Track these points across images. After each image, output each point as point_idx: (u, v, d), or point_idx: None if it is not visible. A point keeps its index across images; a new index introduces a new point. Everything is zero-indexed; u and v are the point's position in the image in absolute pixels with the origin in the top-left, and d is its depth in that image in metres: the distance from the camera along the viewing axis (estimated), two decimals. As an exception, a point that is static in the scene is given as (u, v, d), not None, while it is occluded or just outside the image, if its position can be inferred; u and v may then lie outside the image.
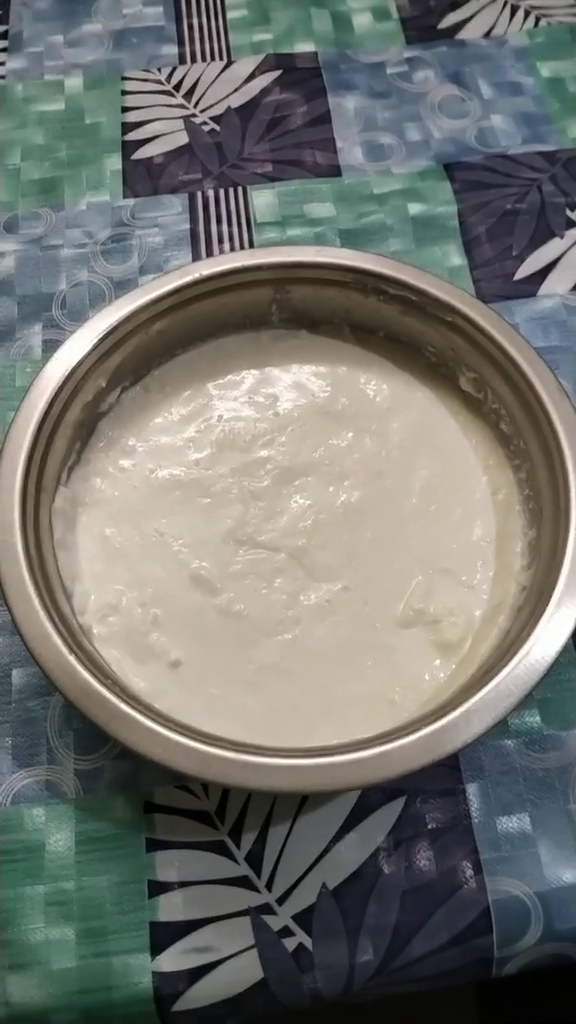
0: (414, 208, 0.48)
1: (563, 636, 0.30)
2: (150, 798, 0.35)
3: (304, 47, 0.55)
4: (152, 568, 0.36)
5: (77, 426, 0.37)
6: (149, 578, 0.36)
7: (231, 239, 0.48)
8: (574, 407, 0.34)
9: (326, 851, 0.34)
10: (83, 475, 0.38)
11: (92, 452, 0.39)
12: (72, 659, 0.30)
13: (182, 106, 0.53)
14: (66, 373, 0.36)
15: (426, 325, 0.39)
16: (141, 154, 0.51)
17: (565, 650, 0.37)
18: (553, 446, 0.34)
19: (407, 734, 0.29)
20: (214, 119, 0.52)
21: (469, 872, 0.34)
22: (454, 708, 0.29)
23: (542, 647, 0.30)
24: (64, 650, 0.31)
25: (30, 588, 0.32)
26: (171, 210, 0.49)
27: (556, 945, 0.33)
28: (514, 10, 0.56)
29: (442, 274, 0.45)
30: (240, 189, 0.49)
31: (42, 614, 0.31)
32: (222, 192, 0.49)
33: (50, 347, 0.44)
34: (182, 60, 0.55)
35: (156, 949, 0.33)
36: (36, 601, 0.31)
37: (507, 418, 0.37)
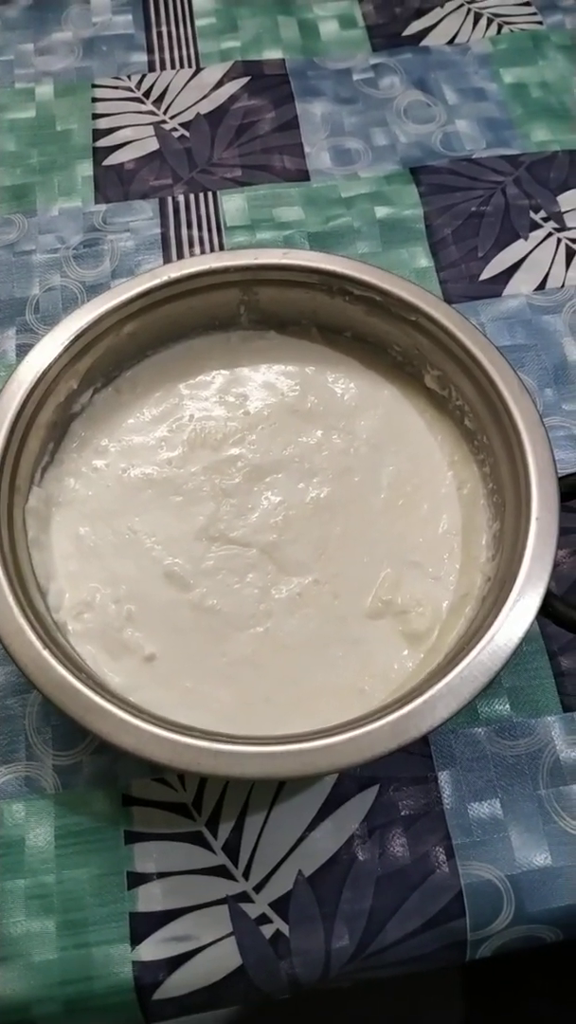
0: (381, 211, 0.49)
1: (525, 623, 0.31)
2: (128, 791, 0.35)
3: (272, 54, 0.56)
4: (126, 565, 0.37)
5: (50, 427, 0.38)
6: (123, 575, 0.37)
7: (202, 243, 0.49)
8: (534, 403, 0.35)
9: (301, 839, 0.35)
10: (56, 475, 0.39)
11: (65, 452, 0.39)
12: (47, 655, 0.31)
13: (152, 113, 0.54)
14: (38, 375, 0.36)
15: (391, 325, 0.39)
16: (112, 160, 0.51)
17: (532, 639, 0.38)
18: (514, 440, 0.35)
19: (375, 720, 0.29)
20: (184, 125, 0.53)
21: (442, 857, 0.34)
22: (420, 695, 0.30)
23: (505, 634, 0.31)
24: (39, 646, 0.31)
25: (5, 586, 0.32)
26: (142, 215, 0.50)
27: (528, 927, 0.34)
28: (477, 17, 0.57)
29: (408, 275, 0.46)
30: (210, 194, 0.50)
31: (17, 611, 0.32)
32: (192, 197, 0.50)
33: (24, 351, 0.45)
34: (151, 67, 0.55)
35: (136, 939, 0.33)
36: (11, 599, 0.32)
37: (471, 414, 0.38)
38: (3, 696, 0.37)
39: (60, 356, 0.37)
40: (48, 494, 0.38)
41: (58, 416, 0.38)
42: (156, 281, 0.39)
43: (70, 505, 0.38)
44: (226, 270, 0.39)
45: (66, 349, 0.37)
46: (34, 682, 0.31)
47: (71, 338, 0.37)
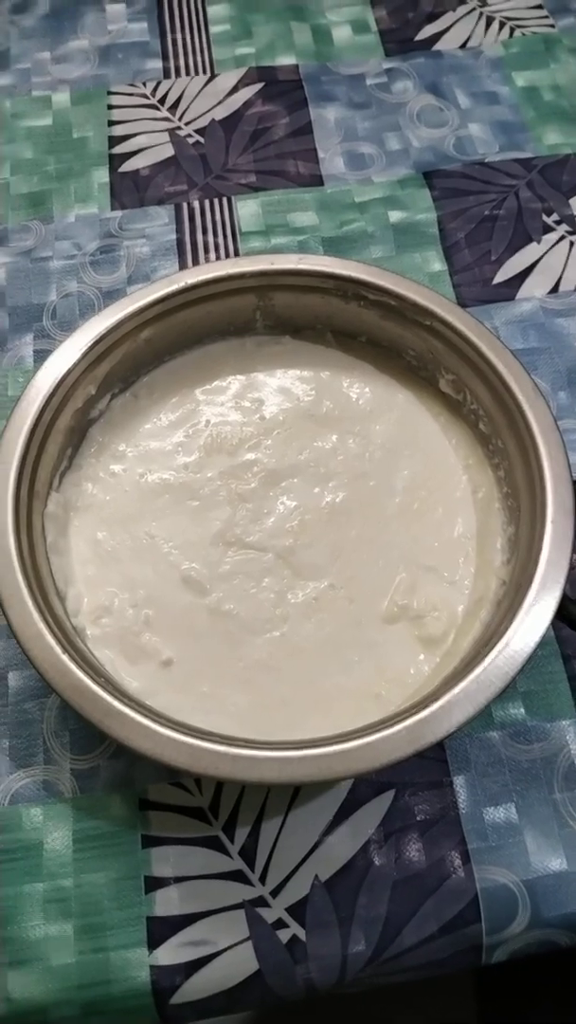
0: (394, 216, 0.50)
1: (541, 627, 0.31)
2: (145, 795, 0.35)
3: (285, 60, 0.56)
4: (143, 570, 0.37)
5: (68, 432, 0.38)
6: (140, 580, 0.37)
7: (217, 249, 0.49)
8: (549, 407, 0.35)
9: (318, 844, 0.35)
10: (75, 480, 0.39)
11: (83, 458, 0.40)
12: (66, 659, 0.31)
13: (167, 119, 0.54)
14: (56, 381, 0.37)
15: (406, 329, 0.40)
16: (128, 167, 0.52)
17: (546, 643, 0.38)
18: (529, 444, 0.35)
19: (391, 725, 0.30)
20: (198, 131, 0.53)
21: (457, 862, 0.34)
22: (436, 700, 0.30)
23: (521, 639, 0.31)
24: (58, 651, 0.31)
25: (24, 592, 0.32)
26: (158, 221, 0.50)
27: (543, 932, 0.34)
28: (489, 21, 0.57)
29: (422, 280, 0.46)
30: (225, 199, 0.50)
31: (37, 617, 0.32)
32: (207, 203, 0.50)
33: (41, 357, 0.45)
34: (166, 74, 0.56)
35: (153, 943, 0.33)
36: (31, 604, 0.32)
37: (485, 418, 0.38)
38: (21, 700, 0.37)
39: (78, 362, 0.37)
40: (66, 499, 0.38)
41: (76, 421, 0.39)
42: (173, 287, 0.39)
43: (88, 510, 0.38)
44: (242, 276, 0.40)
45: (84, 355, 0.37)
46: (53, 686, 0.31)
47: (89, 344, 0.38)
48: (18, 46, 0.57)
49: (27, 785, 0.36)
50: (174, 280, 0.39)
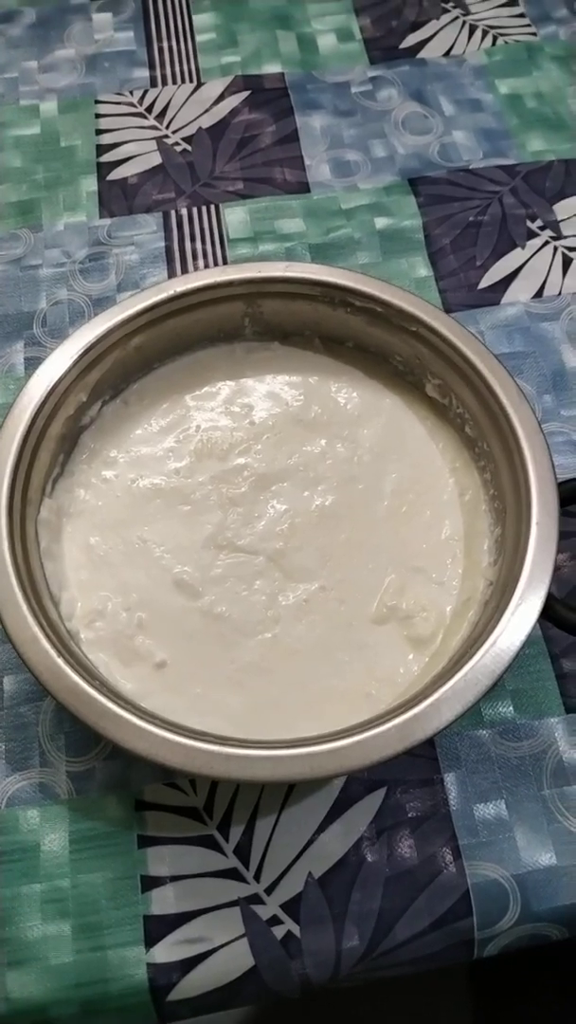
0: (381, 222, 0.50)
1: (527, 627, 0.32)
2: (140, 796, 0.36)
3: (271, 68, 0.56)
4: (136, 574, 0.38)
5: (60, 439, 0.39)
6: (133, 584, 0.37)
7: (205, 256, 0.49)
8: (533, 410, 0.36)
9: (311, 842, 0.35)
10: (67, 486, 0.39)
11: (75, 464, 0.40)
12: (61, 662, 0.32)
13: (154, 127, 0.54)
14: (48, 388, 0.37)
15: (392, 335, 0.40)
16: (116, 175, 0.52)
17: (534, 642, 0.39)
18: (514, 448, 0.35)
19: (382, 723, 0.30)
20: (186, 139, 0.54)
21: (449, 858, 0.35)
22: (425, 698, 0.30)
23: (507, 638, 0.31)
24: (53, 654, 0.32)
25: (19, 596, 0.33)
26: (146, 229, 0.50)
27: (534, 926, 0.35)
28: (472, 29, 0.58)
29: (408, 286, 0.46)
30: (212, 207, 0.51)
31: (31, 621, 0.32)
32: (195, 210, 0.51)
33: (32, 364, 0.46)
34: (153, 83, 0.56)
35: (150, 941, 0.34)
36: (25, 608, 0.33)
37: (471, 422, 0.39)
38: (16, 704, 0.38)
39: (70, 370, 0.38)
40: (59, 505, 0.39)
41: (68, 428, 0.39)
42: (162, 295, 0.39)
43: (80, 515, 0.39)
44: (230, 283, 0.40)
45: (75, 363, 0.38)
46: (49, 689, 0.31)
47: (80, 352, 0.38)
48: (5, 55, 0.58)
49: (24, 788, 0.36)
50: (164, 288, 0.40)
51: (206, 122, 0.55)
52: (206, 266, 0.49)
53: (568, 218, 0.50)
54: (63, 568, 0.37)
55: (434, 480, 0.39)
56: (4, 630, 0.32)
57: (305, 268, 0.41)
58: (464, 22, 0.58)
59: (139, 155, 0.53)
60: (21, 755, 0.37)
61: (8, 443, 0.36)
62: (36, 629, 0.32)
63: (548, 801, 0.36)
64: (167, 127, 0.54)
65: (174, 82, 0.56)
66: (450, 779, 0.36)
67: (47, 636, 0.32)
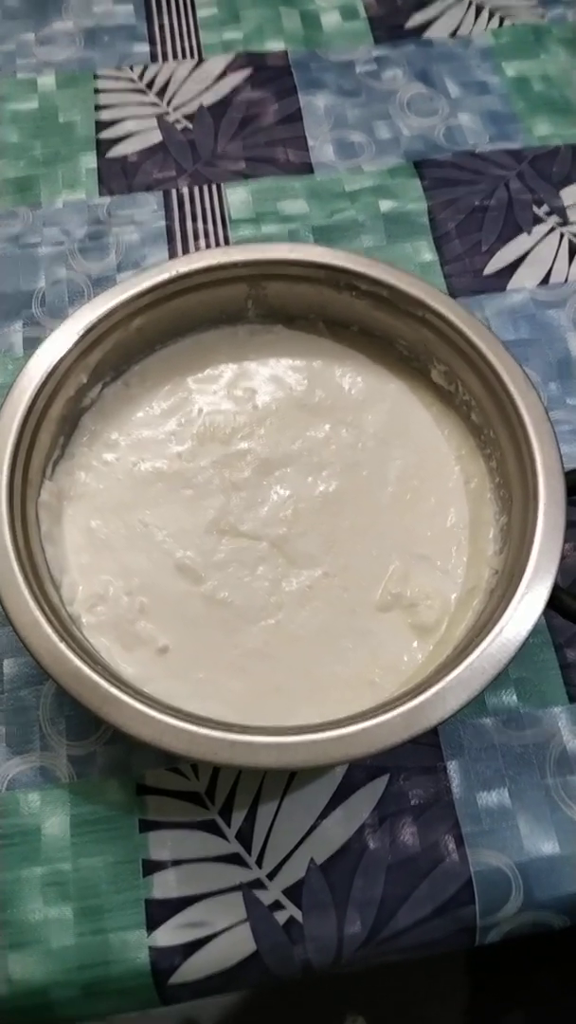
0: (385, 205, 0.50)
1: (533, 616, 0.32)
2: (142, 780, 0.36)
3: (274, 46, 0.56)
4: (138, 558, 0.37)
5: (60, 421, 0.38)
6: (135, 568, 0.37)
7: (206, 236, 0.49)
8: (540, 398, 0.36)
9: (313, 828, 0.35)
10: (67, 469, 0.39)
11: (76, 446, 0.39)
12: (63, 647, 0.31)
13: (155, 104, 0.53)
14: (48, 369, 0.37)
15: (398, 320, 0.40)
16: (116, 152, 0.51)
17: (538, 631, 0.39)
18: (521, 435, 0.35)
19: (387, 711, 0.30)
20: (187, 117, 0.53)
21: (451, 845, 0.35)
22: (430, 686, 0.30)
23: (514, 627, 0.31)
24: (55, 639, 0.31)
25: (20, 580, 0.33)
26: (147, 207, 0.50)
27: (536, 913, 0.35)
28: (479, 10, 0.57)
29: (413, 270, 0.46)
30: (214, 186, 0.50)
31: (33, 605, 0.32)
32: (196, 189, 0.50)
33: (31, 344, 0.45)
34: (154, 58, 0.55)
35: (152, 925, 0.34)
36: (26, 592, 0.32)
37: (477, 409, 0.38)
38: (17, 688, 0.37)
39: (70, 350, 0.37)
40: (60, 488, 0.38)
41: (68, 410, 0.39)
42: (165, 276, 0.39)
43: (81, 499, 0.38)
44: (234, 265, 0.40)
45: (76, 343, 0.37)
46: (51, 674, 0.31)
47: (81, 332, 0.38)
48: (1, 27, 0.56)
49: (24, 771, 0.36)
50: (166, 268, 0.39)
51: (208, 100, 0.54)
52: (207, 247, 0.48)
53: (574, 204, 0.50)
54: (64, 552, 0.37)
55: (439, 467, 0.39)
56: (6, 614, 0.32)
57: (310, 250, 0.40)
58: (471, 2, 0.57)
59: (139, 132, 0.52)
60: (21, 739, 0.37)
61: (8, 425, 0.35)
62: (38, 613, 0.32)
63: (551, 790, 0.36)
64: (168, 104, 0.53)
65: (175, 58, 0.55)
66: (453, 767, 0.36)
67: (49, 620, 0.32)
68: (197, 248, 0.48)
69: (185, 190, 0.50)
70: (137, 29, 0.56)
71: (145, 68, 0.55)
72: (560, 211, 0.49)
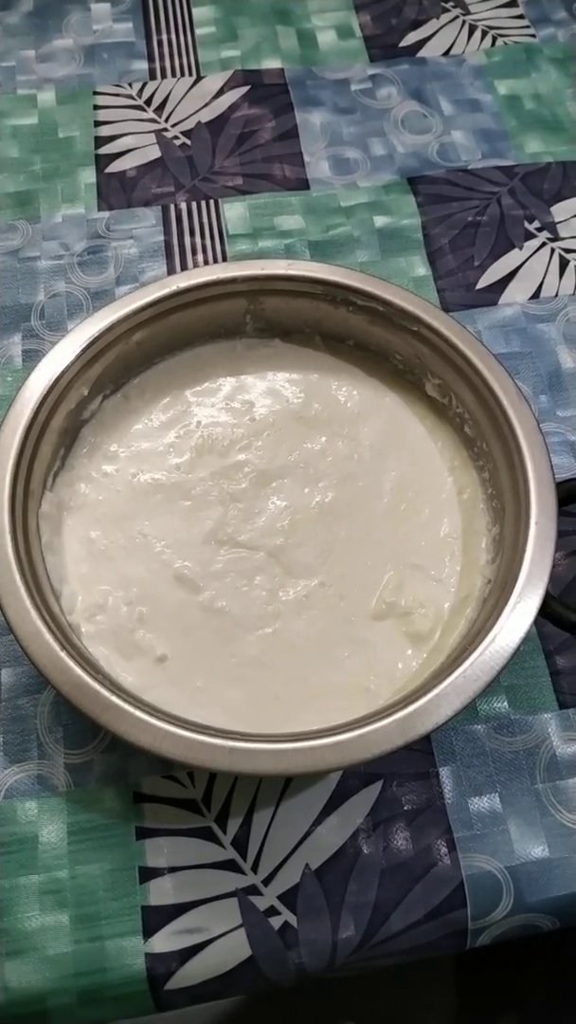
0: (380, 220, 0.51)
1: (525, 624, 0.32)
2: (139, 788, 0.36)
3: (271, 63, 0.57)
4: (136, 568, 0.38)
5: (61, 433, 0.39)
6: (134, 578, 0.37)
7: (204, 251, 0.49)
8: (532, 411, 0.37)
9: (308, 834, 0.36)
10: (68, 480, 0.39)
11: (76, 458, 0.40)
12: (64, 656, 0.32)
13: (153, 120, 0.54)
14: (50, 382, 0.37)
15: (393, 334, 0.41)
16: (114, 167, 0.52)
17: (529, 639, 0.39)
18: (513, 447, 0.36)
19: (382, 718, 0.31)
20: (185, 133, 0.54)
21: (443, 850, 0.36)
22: (425, 693, 0.31)
23: (506, 635, 0.32)
24: (56, 648, 0.32)
25: (22, 590, 0.33)
26: (145, 222, 0.50)
27: (526, 916, 0.35)
28: (472, 29, 0.58)
29: (407, 285, 0.47)
30: (212, 202, 0.51)
31: (34, 614, 0.33)
32: (194, 205, 0.51)
33: (30, 356, 0.46)
34: (152, 75, 0.56)
35: (148, 932, 0.34)
36: (28, 601, 0.33)
37: (470, 421, 0.39)
38: (15, 696, 0.38)
39: (72, 363, 0.38)
40: (60, 499, 0.39)
41: (69, 422, 0.39)
42: (165, 291, 0.40)
43: (81, 509, 0.39)
44: (233, 280, 0.40)
45: (77, 357, 0.38)
46: (52, 682, 0.31)
47: (82, 346, 0.38)
48: (2, 43, 0.57)
49: (21, 779, 0.36)
50: (166, 284, 0.40)
51: (205, 116, 0.54)
52: (205, 261, 0.49)
53: (565, 220, 0.51)
54: (64, 562, 0.38)
55: (433, 478, 0.40)
56: (8, 624, 0.33)
57: (308, 266, 0.41)
58: (464, 22, 0.59)
59: (138, 148, 0.53)
60: (19, 747, 0.37)
61: (11, 436, 0.36)
62: (39, 623, 0.32)
63: (541, 795, 0.37)
64: (166, 120, 0.54)
65: (173, 75, 0.56)
66: (445, 773, 0.37)
67: (50, 629, 0.32)
68: (195, 262, 0.49)
69: (183, 205, 0.51)
70: (136, 46, 0.57)
71: (144, 85, 0.56)
72: (551, 227, 0.50)
